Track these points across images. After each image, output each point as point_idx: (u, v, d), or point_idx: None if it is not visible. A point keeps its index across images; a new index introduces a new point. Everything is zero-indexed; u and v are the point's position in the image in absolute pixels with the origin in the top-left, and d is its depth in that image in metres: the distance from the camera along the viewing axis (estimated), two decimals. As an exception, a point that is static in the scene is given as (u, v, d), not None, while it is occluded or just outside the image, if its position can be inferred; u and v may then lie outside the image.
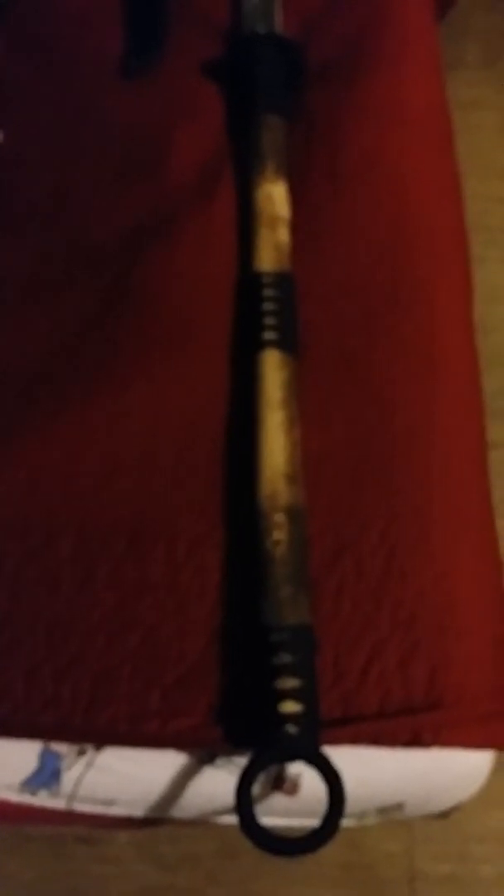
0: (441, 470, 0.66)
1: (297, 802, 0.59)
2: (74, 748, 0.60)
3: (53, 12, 0.95)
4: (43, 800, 0.61)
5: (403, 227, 0.75)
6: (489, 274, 1.33)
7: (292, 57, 0.85)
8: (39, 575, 0.62)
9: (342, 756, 0.55)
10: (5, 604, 0.62)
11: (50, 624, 0.61)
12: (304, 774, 0.58)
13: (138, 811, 0.63)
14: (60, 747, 0.60)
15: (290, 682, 0.55)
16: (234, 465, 0.65)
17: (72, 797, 0.61)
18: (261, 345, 0.68)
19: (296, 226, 0.75)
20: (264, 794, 0.59)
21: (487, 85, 1.81)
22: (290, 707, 0.54)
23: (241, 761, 0.56)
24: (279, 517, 0.61)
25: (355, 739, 0.57)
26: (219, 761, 0.59)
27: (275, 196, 0.75)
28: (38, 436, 0.67)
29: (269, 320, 0.68)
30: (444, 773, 0.61)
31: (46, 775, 0.60)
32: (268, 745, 0.54)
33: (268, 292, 0.69)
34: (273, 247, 0.72)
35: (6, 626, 0.61)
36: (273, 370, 0.66)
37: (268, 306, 0.69)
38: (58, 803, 0.62)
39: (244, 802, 0.53)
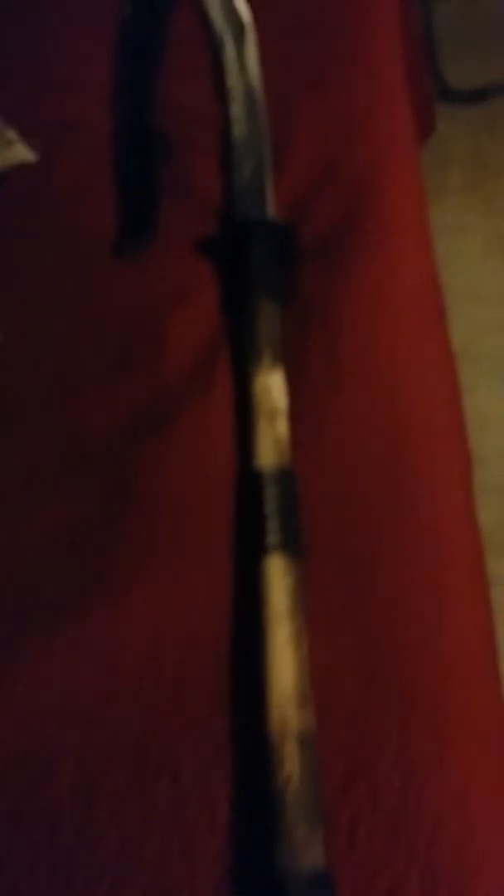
0: (454, 675, 0.65)
1: None
2: None
3: (47, 184, 0.97)
4: None
5: (402, 416, 0.75)
6: (478, 403, 1.32)
7: (286, 240, 0.86)
8: (39, 811, 0.60)
9: None
10: (3, 843, 0.59)
11: (51, 866, 0.58)
12: None
13: None
14: None
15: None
16: (240, 682, 0.63)
17: None
18: (264, 549, 0.66)
19: (294, 414, 0.75)
20: None
21: (471, 210, 1.86)
22: None
23: None
24: (290, 747, 0.58)
25: None
26: None
27: (272, 387, 0.74)
28: (34, 649, 0.65)
29: (271, 523, 0.67)
30: None
31: None
32: None
33: (269, 491, 0.68)
34: (273, 441, 0.71)
35: (4, 868, 0.58)
36: (278, 577, 0.65)
37: (270, 507, 0.68)
38: None
39: None
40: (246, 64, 1.06)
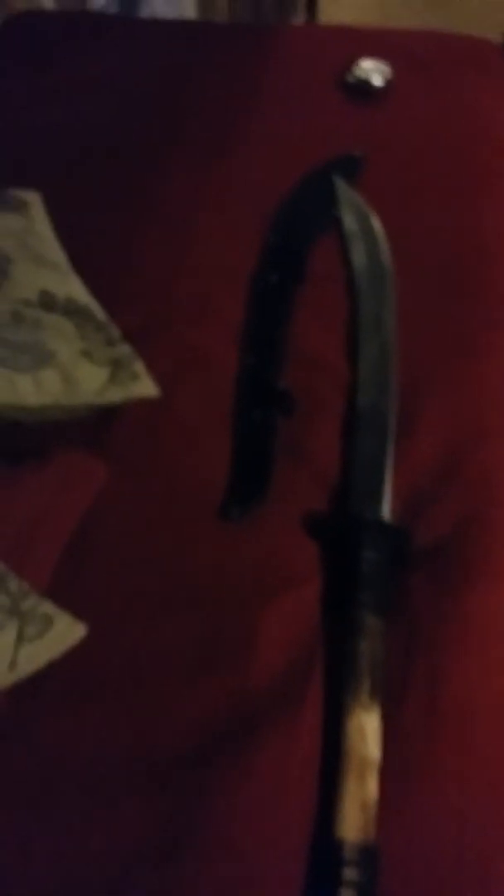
0: None
1: None
2: None
3: (164, 424, 0.95)
4: None
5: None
6: None
7: (399, 543, 0.81)
8: None
9: None
10: None
11: None
12: None
13: None
14: None
15: None
16: None
17: None
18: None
19: (384, 765, 0.69)
20: None
21: None
22: None
23: None
24: None
25: None
26: None
27: (367, 731, 0.69)
28: None
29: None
30: None
31: None
32: None
33: (349, 872, 0.62)
34: (360, 806, 0.65)
35: None
36: None
37: (347, 890, 0.61)
38: None
39: None
40: (382, 320, 1.05)
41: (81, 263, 1.10)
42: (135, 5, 1.88)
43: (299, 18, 2.35)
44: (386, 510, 0.84)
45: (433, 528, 0.84)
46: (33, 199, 1.16)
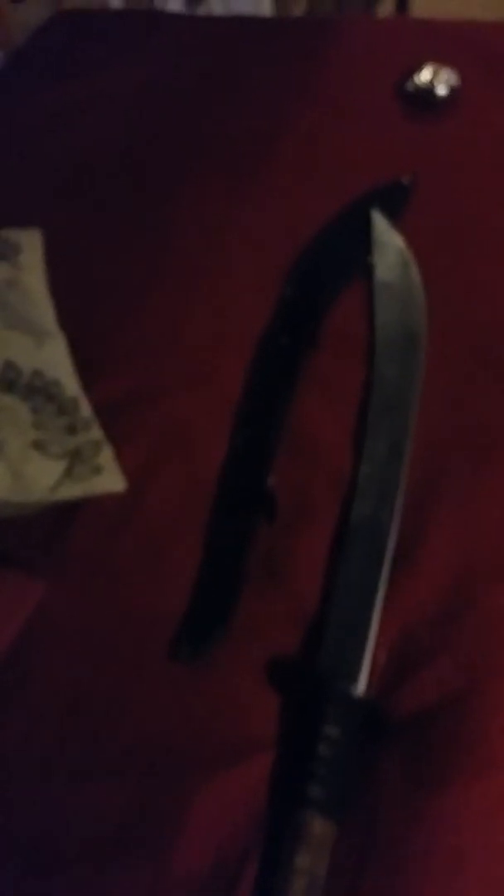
0: None
1: None
2: None
3: (125, 527, 0.83)
4: None
5: None
6: None
7: (369, 719, 0.67)
8: None
9: None
10: None
11: None
12: None
13: None
14: None
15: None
16: None
17: None
18: None
19: None
20: None
21: None
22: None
23: None
24: None
25: None
26: None
27: None
28: None
29: None
30: None
31: None
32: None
33: None
34: None
35: None
36: None
37: None
38: None
39: None
40: (400, 404, 0.89)
41: (74, 316, 0.99)
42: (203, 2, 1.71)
43: (387, 9, 2.11)
44: (363, 673, 0.69)
45: (419, 694, 0.69)
46: (29, 240, 1.04)
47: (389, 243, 1.03)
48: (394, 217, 1.06)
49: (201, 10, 1.78)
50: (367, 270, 1.01)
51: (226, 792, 0.67)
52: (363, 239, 1.04)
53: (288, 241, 1.06)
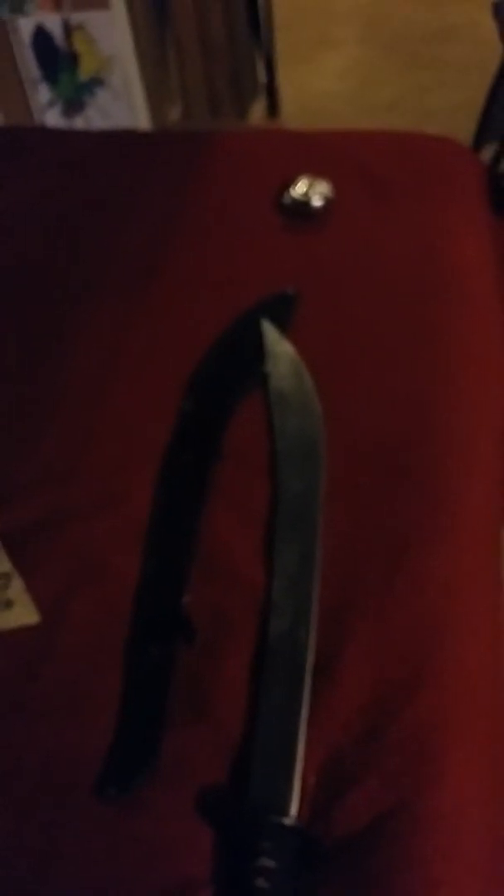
0: None
1: None
2: None
3: (44, 658, 0.82)
4: None
5: None
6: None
7: (304, 845, 0.67)
8: None
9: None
10: None
11: None
12: None
13: None
14: None
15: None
16: None
17: None
18: None
19: None
20: None
21: None
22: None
23: None
24: None
25: None
26: None
27: None
28: None
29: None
30: None
31: None
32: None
33: None
34: None
35: None
36: None
37: None
38: None
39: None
40: (306, 512, 0.91)
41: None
42: (80, 110, 1.76)
43: (259, 109, 2.23)
44: (294, 800, 0.70)
45: (351, 817, 0.70)
46: None
47: (281, 353, 1.07)
48: (282, 327, 1.10)
49: (79, 121, 1.83)
50: (263, 380, 1.04)
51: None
52: (256, 350, 1.08)
53: (183, 353, 1.09)
